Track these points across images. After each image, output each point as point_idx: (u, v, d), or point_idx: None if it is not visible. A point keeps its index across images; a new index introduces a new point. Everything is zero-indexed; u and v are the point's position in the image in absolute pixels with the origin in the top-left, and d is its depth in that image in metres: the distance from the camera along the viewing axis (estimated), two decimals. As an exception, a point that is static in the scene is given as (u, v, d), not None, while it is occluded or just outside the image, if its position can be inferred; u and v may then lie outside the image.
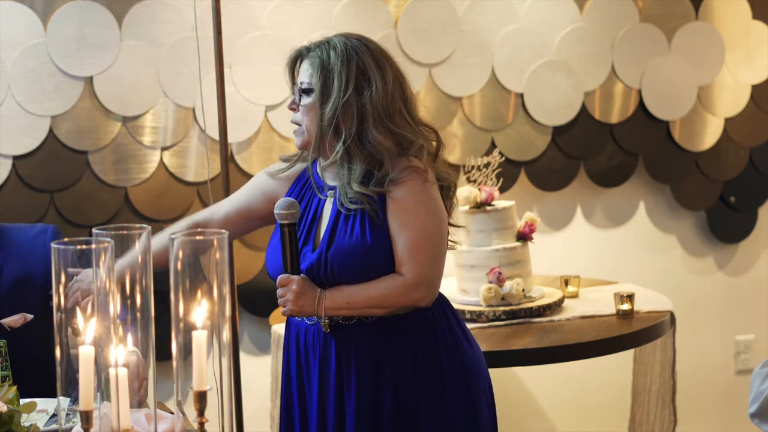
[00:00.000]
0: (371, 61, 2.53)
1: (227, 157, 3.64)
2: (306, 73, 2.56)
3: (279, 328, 3.51)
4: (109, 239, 1.75)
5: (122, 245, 1.80)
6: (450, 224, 2.61)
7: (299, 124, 2.59)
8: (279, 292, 2.53)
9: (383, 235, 2.49)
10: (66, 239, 1.75)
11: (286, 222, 2.51)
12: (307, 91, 2.55)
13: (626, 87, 4.36)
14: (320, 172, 2.63)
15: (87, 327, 1.72)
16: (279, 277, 2.53)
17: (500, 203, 3.57)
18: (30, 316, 2.62)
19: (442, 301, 2.64)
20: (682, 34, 4.42)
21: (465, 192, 3.54)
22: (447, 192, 2.61)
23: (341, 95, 2.50)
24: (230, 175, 3.68)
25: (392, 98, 2.52)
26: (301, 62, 2.59)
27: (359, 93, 2.50)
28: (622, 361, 4.02)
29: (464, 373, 2.57)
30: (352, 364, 2.54)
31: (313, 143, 2.56)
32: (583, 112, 4.31)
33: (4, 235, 2.85)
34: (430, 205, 2.50)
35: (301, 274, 2.52)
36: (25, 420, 2.29)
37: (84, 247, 1.73)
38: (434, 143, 2.61)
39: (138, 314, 1.82)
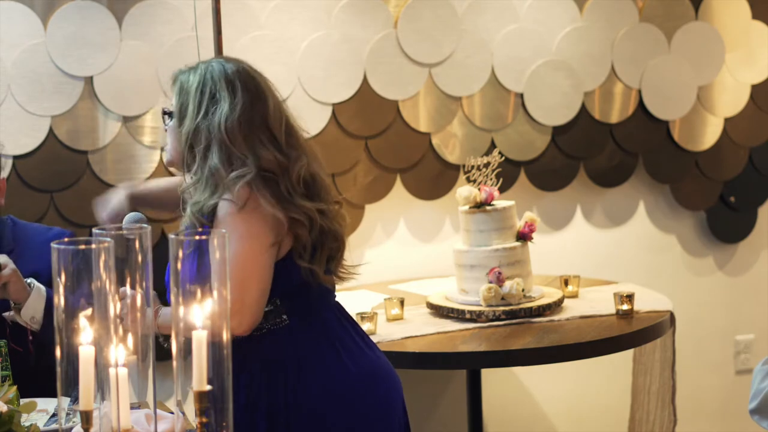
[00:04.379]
0: (224, 83, 2.57)
1: (227, 157, 3.63)
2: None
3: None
4: (109, 239, 1.75)
5: (122, 245, 1.80)
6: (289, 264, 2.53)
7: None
8: None
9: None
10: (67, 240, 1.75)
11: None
12: (169, 114, 2.62)
13: (626, 87, 4.36)
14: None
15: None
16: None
17: (500, 203, 3.57)
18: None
19: (309, 318, 2.60)
20: (682, 34, 4.42)
21: (465, 192, 3.54)
22: (297, 228, 2.51)
23: (194, 118, 2.55)
24: (230, 175, 3.67)
25: (245, 122, 2.53)
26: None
27: (207, 116, 2.54)
28: (622, 361, 4.02)
29: (320, 398, 2.55)
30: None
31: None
32: (583, 112, 4.31)
33: (20, 230, 2.95)
34: (241, 232, 2.45)
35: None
36: (25, 420, 2.29)
37: (84, 247, 1.73)
38: (301, 168, 2.55)
39: (138, 314, 1.82)
